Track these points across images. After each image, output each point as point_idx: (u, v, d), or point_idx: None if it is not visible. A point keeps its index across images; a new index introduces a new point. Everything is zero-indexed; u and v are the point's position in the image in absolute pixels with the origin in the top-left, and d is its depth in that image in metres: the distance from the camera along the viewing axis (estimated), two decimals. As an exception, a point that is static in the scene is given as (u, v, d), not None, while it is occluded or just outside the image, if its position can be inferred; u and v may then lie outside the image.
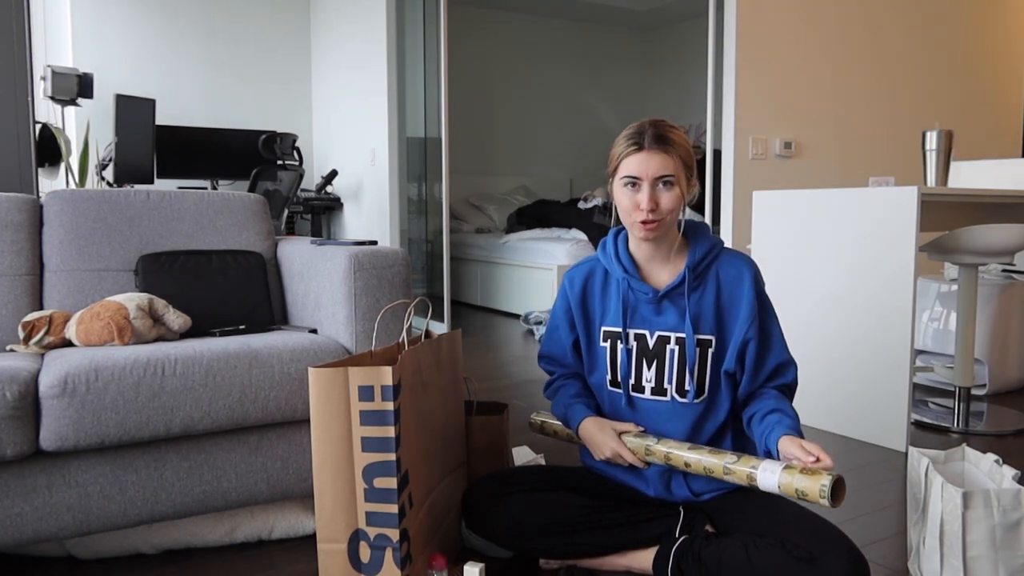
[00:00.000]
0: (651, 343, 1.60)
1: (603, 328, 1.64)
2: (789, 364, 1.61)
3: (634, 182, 1.51)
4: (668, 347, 1.58)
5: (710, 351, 1.58)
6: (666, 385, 1.59)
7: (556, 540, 1.57)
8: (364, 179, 5.03)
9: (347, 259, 1.83)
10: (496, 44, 7.18)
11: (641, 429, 1.60)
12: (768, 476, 1.39)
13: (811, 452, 1.38)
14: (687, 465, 1.50)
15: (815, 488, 1.33)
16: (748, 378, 1.59)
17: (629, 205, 1.52)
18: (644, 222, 1.51)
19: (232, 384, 1.64)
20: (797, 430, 1.47)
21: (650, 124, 1.52)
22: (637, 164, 1.50)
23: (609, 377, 1.64)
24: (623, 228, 1.66)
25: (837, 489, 1.35)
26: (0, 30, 2.67)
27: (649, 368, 1.60)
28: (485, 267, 5.81)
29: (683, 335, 1.57)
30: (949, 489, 1.44)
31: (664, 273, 1.61)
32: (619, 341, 1.61)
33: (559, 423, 1.79)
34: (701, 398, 1.58)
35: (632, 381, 1.61)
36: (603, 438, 1.59)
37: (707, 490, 1.61)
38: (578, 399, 1.68)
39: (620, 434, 1.59)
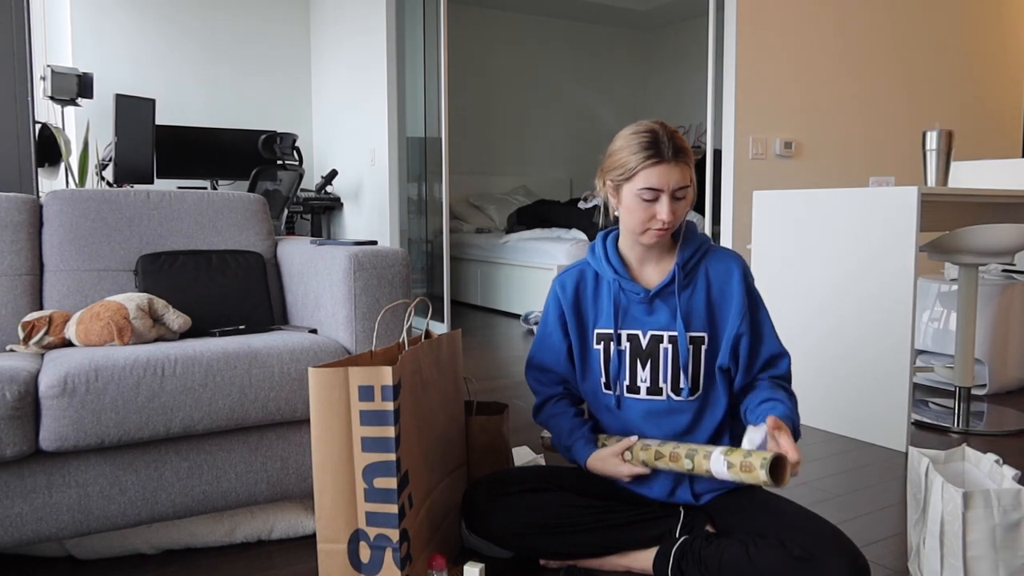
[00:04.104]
0: (644, 343, 1.60)
1: (596, 331, 1.64)
2: (782, 356, 1.61)
3: (654, 194, 1.49)
4: (661, 346, 1.58)
5: (703, 348, 1.58)
6: (661, 384, 1.59)
7: (556, 540, 1.57)
8: (364, 179, 5.03)
9: (347, 259, 1.83)
10: (496, 44, 7.18)
11: (633, 439, 1.58)
12: (718, 467, 1.41)
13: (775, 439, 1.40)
14: (674, 464, 1.50)
15: (756, 477, 1.36)
16: (742, 372, 1.59)
17: (644, 216, 1.51)
18: (659, 230, 1.52)
19: (232, 384, 1.64)
20: (788, 416, 1.48)
21: (665, 133, 1.50)
22: (659, 177, 1.48)
23: (603, 380, 1.64)
24: (612, 230, 1.66)
25: (777, 469, 1.37)
26: (0, 30, 2.67)
27: (644, 368, 1.60)
28: (485, 267, 5.81)
29: (675, 333, 1.57)
30: (949, 489, 1.44)
31: (655, 273, 1.61)
32: (612, 343, 1.61)
33: None
34: (696, 395, 1.59)
35: (627, 382, 1.61)
36: (612, 470, 1.58)
37: (707, 491, 1.61)
38: (575, 434, 1.65)
39: (623, 452, 1.57)
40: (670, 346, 1.58)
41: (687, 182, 1.50)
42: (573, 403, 1.72)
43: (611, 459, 1.58)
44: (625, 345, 1.61)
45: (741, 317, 1.57)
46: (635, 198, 1.51)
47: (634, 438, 1.59)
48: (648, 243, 1.56)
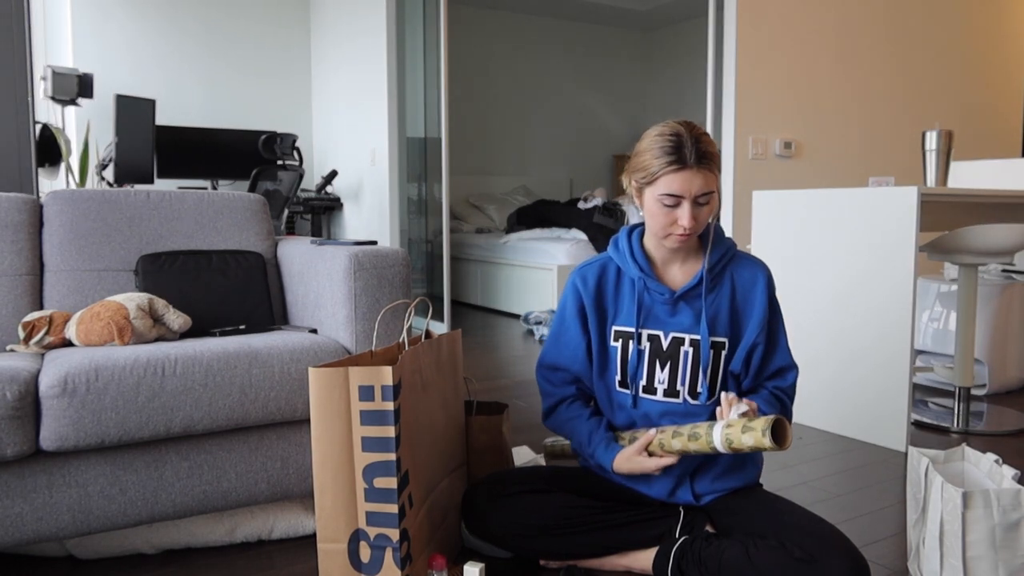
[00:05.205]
0: (665, 344, 1.59)
1: (614, 328, 1.63)
2: (790, 368, 1.62)
3: (675, 200, 1.47)
4: (682, 349, 1.58)
5: (723, 354, 1.58)
6: (679, 387, 1.58)
7: (556, 541, 1.57)
8: (364, 179, 5.03)
9: (347, 259, 1.83)
10: (496, 44, 7.17)
11: (652, 433, 1.55)
12: (720, 442, 1.43)
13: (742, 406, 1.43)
14: (688, 448, 1.50)
15: (759, 437, 1.37)
16: (750, 377, 1.61)
17: (666, 220, 1.49)
18: (680, 236, 1.50)
19: (232, 384, 1.64)
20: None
21: (690, 137, 1.46)
22: (680, 184, 1.45)
23: (619, 378, 1.63)
24: (637, 226, 1.65)
25: (780, 431, 1.39)
26: (0, 30, 2.67)
27: (662, 369, 1.59)
28: (485, 267, 5.81)
29: (698, 337, 1.57)
30: (949, 489, 1.44)
31: (679, 274, 1.60)
32: (631, 341, 1.60)
33: (569, 443, 1.77)
34: (712, 400, 1.58)
35: (644, 382, 1.60)
36: (640, 467, 1.54)
37: (708, 491, 1.61)
38: (594, 439, 1.61)
39: (645, 448, 1.54)
40: (691, 349, 1.57)
41: (711, 188, 1.47)
42: (586, 404, 1.69)
43: (635, 457, 1.54)
44: (645, 345, 1.60)
45: (760, 328, 1.57)
46: (656, 203, 1.49)
47: (652, 431, 1.55)
48: (671, 247, 1.55)
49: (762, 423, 1.37)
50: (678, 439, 1.49)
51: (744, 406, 1.43)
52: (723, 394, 1.47)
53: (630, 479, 1.62)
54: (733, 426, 1.41)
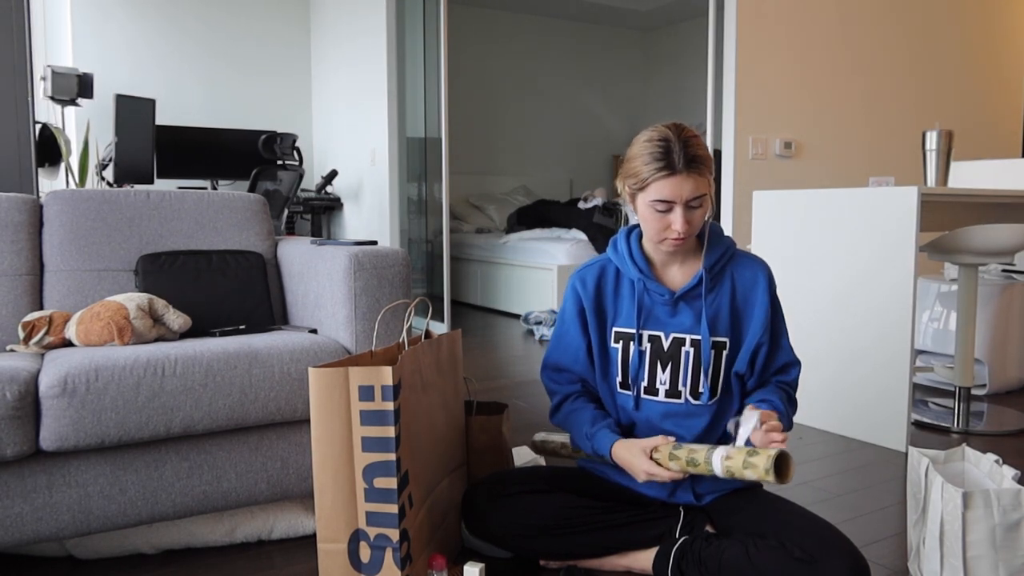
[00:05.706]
0: (666, 345, 1.58)
1: (615, 329, 1.62)
2: (793, 364, 1.62)
3: (667, 206, 1.47)
4: (683, 349, 1.57)
5: (724, 353, 1.58)
6: (680, 387, 1.58)
7: (556, 541, 1.57)
8: (364, 179, 5.03)
9: (347, 259, 1.83)
10: (496, 44, 7.17)
11: (662, 439, 1.51)
12: (719, 469, 1.42)
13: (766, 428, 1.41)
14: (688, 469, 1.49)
15: (762, 474, 1.36)
16: (756, 376, 1.61)
17: (659, 226, 1.49)
18: (675, 240, 1.50)
19: (232, 384, 1.64)
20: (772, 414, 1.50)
21: (678, 141, 1.45)
22: (670, 189, 1.44)
23: (620, 379, 1.63)
24: (635, 226, 1.65)
25: (782, 466, 1.38)
26: (0, 30, 2.67)
27: (664, 370, 1.59)
28: (485, 267, 5.81)
29: (698, 337, 1.57)
30: (949, 489, 1.44)
31: (679, 274, 1.60)
32: (632, 342, 1.60)
33: (560, 440, 1.78)
34: (714, 400, 1.58)
35: (645, 383, 1.60)
36: (634, 461, 1.51)
37: (709, 491, 1.61)
38: (598, 424, 1.59)
39: (652, 450, 1.51)
40: (692, 349, 1.57)
41: (702, 191, 1.47)
42: (592, 400, 1.67)
43: (638, 451, 1.50)
44: (646, 346, 1.59)
45: (764, 328, 1.57)
46: (649, 208, 1.48)
47: (669, 439, 1.51)
48: (667, 251, 1.55)
49: (764, 460, 1.35)
50: (675, 462, 1.47)
51: (754, 419, 1.42)
52: (730, 422, 1.48)
53: (626, 476, 1.62)
54: (733, 458, 1.38)
